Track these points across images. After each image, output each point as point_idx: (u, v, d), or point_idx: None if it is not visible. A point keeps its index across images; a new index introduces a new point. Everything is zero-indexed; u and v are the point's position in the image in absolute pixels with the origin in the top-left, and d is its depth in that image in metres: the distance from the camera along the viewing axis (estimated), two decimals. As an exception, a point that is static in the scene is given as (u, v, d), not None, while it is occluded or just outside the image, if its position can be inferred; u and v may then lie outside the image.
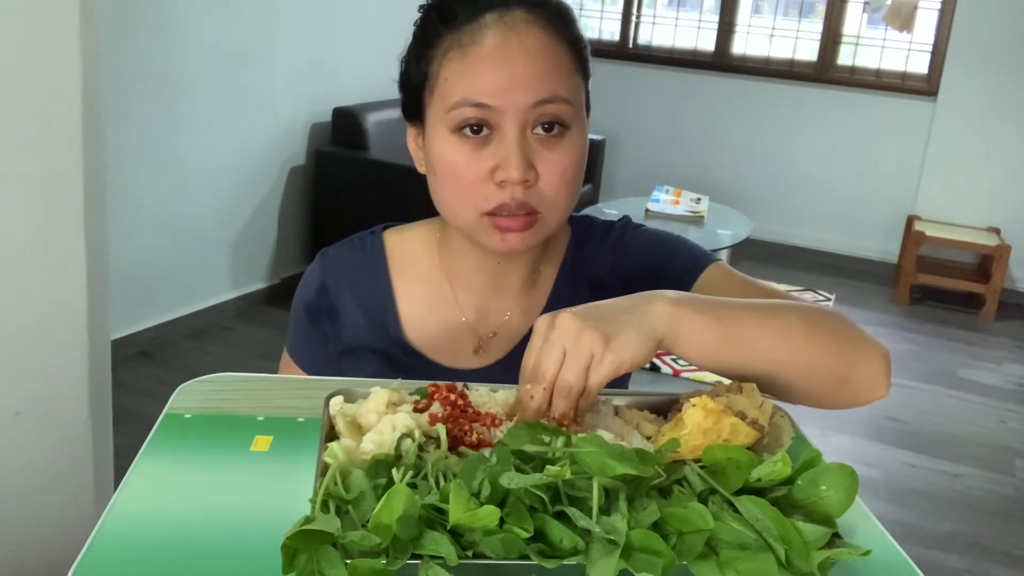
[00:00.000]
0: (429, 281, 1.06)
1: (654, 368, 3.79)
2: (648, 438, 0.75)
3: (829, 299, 4.83)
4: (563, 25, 0.93)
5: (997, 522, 2.95)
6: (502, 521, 0.57)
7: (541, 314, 0.81)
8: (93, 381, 1.84)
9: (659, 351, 0.78)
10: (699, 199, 4.46)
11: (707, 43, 5.58)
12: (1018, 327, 4.70)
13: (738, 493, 0.63)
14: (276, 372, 1.10)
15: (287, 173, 4.11)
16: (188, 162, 3.60)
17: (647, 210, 4.28)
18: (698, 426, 0.68)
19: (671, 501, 0.62)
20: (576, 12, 0.97)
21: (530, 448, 0.64)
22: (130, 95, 3.25)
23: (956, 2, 4.88)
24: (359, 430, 0.72)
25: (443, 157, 0.93)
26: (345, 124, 4.06)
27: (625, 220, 1.10)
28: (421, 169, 0.99)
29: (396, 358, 1.03)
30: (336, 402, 0.75)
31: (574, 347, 0.74)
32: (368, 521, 0.56)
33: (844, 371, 0.83)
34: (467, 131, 0.91)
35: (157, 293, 3.59)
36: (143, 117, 3.36)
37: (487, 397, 0.79)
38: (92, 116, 1.72)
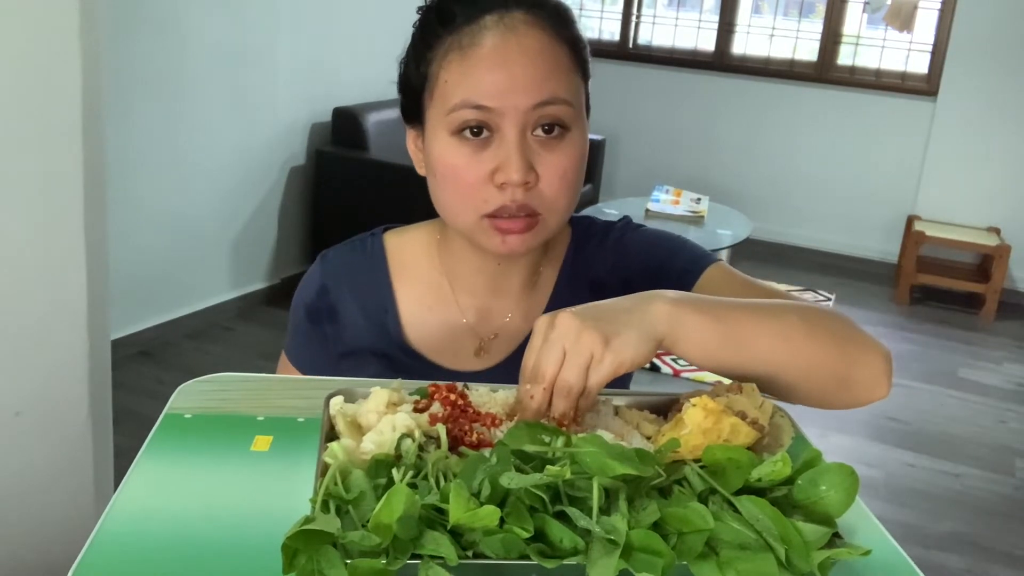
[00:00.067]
0: (429, 283, 1.06)
1: (654, 368, 3.79)
2: (648, 438, 0.75)
3: (829, 299, 4.83)
4: (562, 26, 0.93)
5: (997, 522, 2.95)
6: (502, 521, 0.57)
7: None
8: (93, 381, 1.84)
9: (659, 351, 0.78)
10: (699, 199, 4.46)
11: (707, 43, 5.58)
12: (1018, 327, 4.70)
13: (738, 493, 0.63)
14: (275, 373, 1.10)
15: (287, 173, 4.11)
16: (188, 162, 3.60)
17: (647, 210, 4.28)
18: (698, 426, 0.68)
19: (671, 501, 0.62)
20: (576, 12, 0.96)
21: (530, 448, 0.64)
22: (130, 95, 3.25)
23: (956, 2, 4.88)
24: (359, 430, 0.72)
25: (443, 159, 0.92)
26: (345, 124, 4.06)
27: (625, 220, 1.10)
28: (421, 171, 0.99)
29: (397, 360, 1.03)
30: (336, 402, 0.75)
31: (574, 347, 0.74)
32: (368, 521, 0.56)
33: (844, 371, 0.83)
34: (467, 133, 0.90)
35: (157, 293, 3.59)
36: (143, 117, 3.36)
37: (487, 397, 0.79)
38: (92, 116, 1.72)
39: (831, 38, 5.29)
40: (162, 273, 3.59)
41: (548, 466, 0.60)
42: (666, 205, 4.34)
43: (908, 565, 0.64)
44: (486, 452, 0.65)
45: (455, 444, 0.69)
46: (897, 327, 4.54)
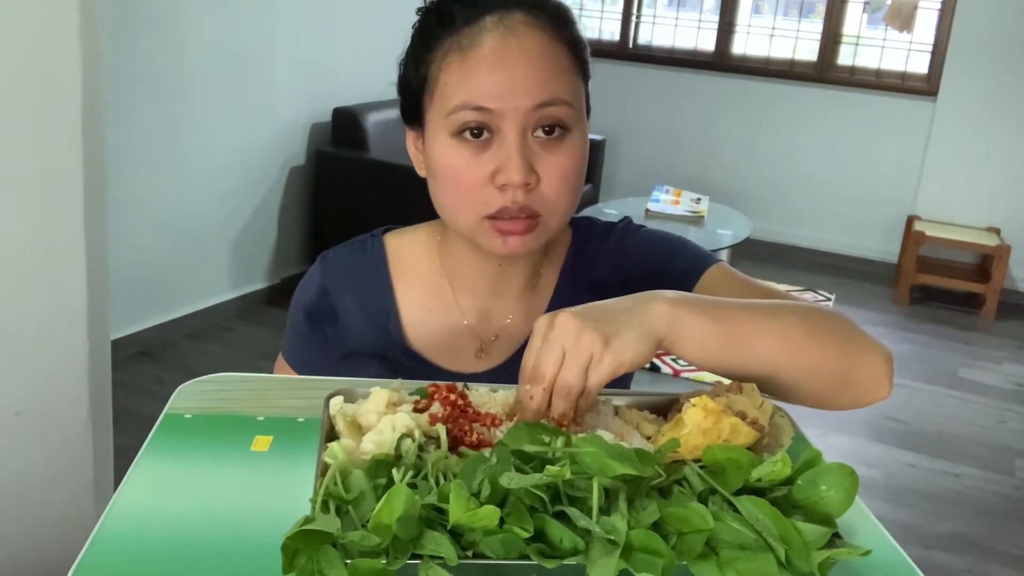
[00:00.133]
0: (430, 284, 1.05)
1: (654, 368, 3.79)
2: (648, 438, 0.75)
3: (829, 299, 4.83)
4: (562, 27, 0.93)
5: (997, 522, 2.95)
6: (502, 521, 0.57)
7: None
8: (93, 381, 1.84)
9: (659, 351, 0.78)
10: (699, 199, 4.46)
11: (707, 43, 5.58)
12: (1018, 327, 4.70)
13: (738, 493, 0.63)
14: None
15: (287, 173, 4.11)
16: (188, 162, 3.60)
17: (647, 210, 4.28)
18: (698, 426, 0.68)
19: (671, 501, 0.62)
20: (576, 12, 0.96)
21: (530, 448, 0.64)
22: (130, 95, 3.25)
23: (956, 2, 4.88)
24: (359, 430, 0.72)
25: (443, 161, 0.92)
26: (345, 124, 4.06)
27: (626, 221, 1.10)
28: (421, 173, 0.99)
29: (397, 362, 1.03)
30: (336, 402, 0.75)
31: (573, 347, 0.74)
32: (368, 521, 0.56)
33: (845, 372, 0.83)
34: (467, 135, 0.90)
35: (157, 293, 3.59)
36: (143, 117, 3.36)
37: (487, 397, 0.79)
38: (92, 116, 1.72)
39: (831, 38, 5.29)
40: (162, 273, 3.59)
41: (548, 466, 0.60)
42: (666, 205, 4.34)
43: (908, 565, 0.64)
44: (486, 452, 0.65)
45: (455, 444, 0.69)
46: (897, 327, 4.54)
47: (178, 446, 0.72)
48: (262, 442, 0.73)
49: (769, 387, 0.81)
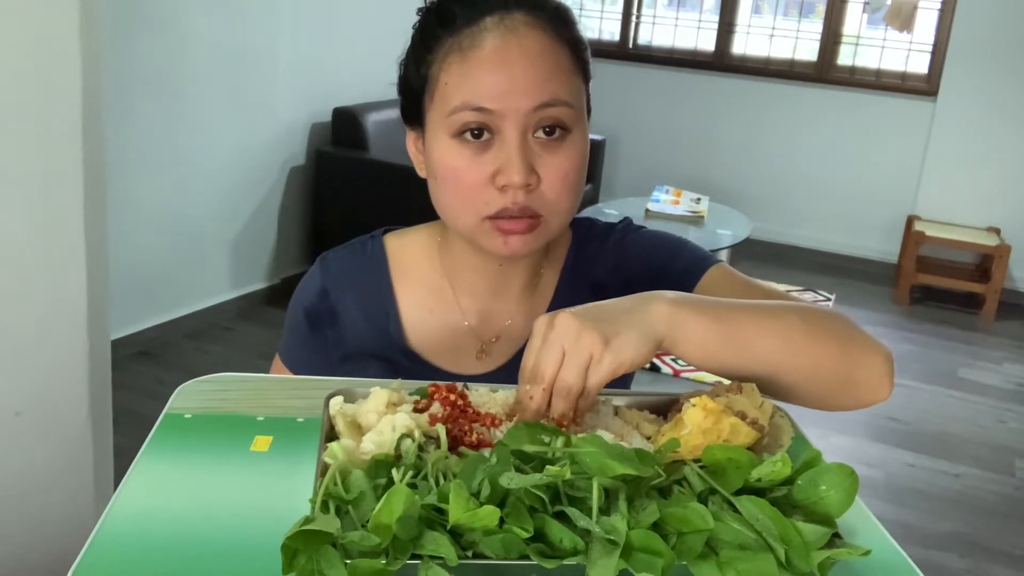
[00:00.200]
0: (430, 285, 1.05)
1: (654, 368, 3.79)
2: (648, 438, 0.75)
3: (829, 299, 4.83)
4: (563, 27, 0.93)
5: (997, 522, 2.95)
6: (502, 521, 0.57)
7: None
8: (93, 381, 1.84)
9: (659, 352, 0.78)
10: (699, 199, 4.46)
11: (707, 43, 5.58)
12: (1018, 327, 4.70)
13: (738, 493, 0.63)
14: (274, 374, 1.09)
15: (287, 173, 4.11)
16: (188, 162, 3.60)
17: (647, 210, 4.28)
18: (698, 426, 0.68)
19: (671, 501, 0.62)
20: (576, 12, 0.96)
21: (530, 448, 0.64)
22: (130, 95, 3.25)
23: (956, 2, 4.88)
24: (359, 430, 0.72)
25: (443, 161, 0.92)
26: (345, 124, 4.06)
27: (626, 222, 1.10)
28: (421, 173, 0.99)
29: (398, 363, 1.02)
30: (336, 402, 0.75)
31: (573, 347, 0.74)
32: (368, 521, 0.56)
33: (846, 372, 0.82)
34: (468, 135, 0.90)
35: (157, 293, 3.59)
36: (143, 117, 3.36)
37: (487, 397, 0.79)
38: (92, 116, 1.72)
39: (831, 38, 5.29)
40: (162, 273, 3.59)
41: (548, 466, 0.60)
42: (666, 205, 4.34)
43: (908, 565, 0.64)
44: (486, 452, 0.65)
45: (455, 444, 0.69)
46: (897, 327, 4.54)
47: (178, 446, 0.72)
48: (262, 442, 0.73)
49: (769, 387, 0.81)
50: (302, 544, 0.55)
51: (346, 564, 0.54)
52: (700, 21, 5.63)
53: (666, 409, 0.80)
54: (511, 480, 0.59)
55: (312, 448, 0.71)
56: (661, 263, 1.04)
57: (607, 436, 0.69)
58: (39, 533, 1.80)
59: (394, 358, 1.03)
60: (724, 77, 5.51)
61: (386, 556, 0.55)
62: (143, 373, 3.34)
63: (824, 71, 5.31)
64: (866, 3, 5.18)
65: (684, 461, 0.67)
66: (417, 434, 0.68)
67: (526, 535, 0.57)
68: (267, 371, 1.08)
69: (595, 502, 0.58)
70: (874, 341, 0.85)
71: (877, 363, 0.83)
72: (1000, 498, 3.09)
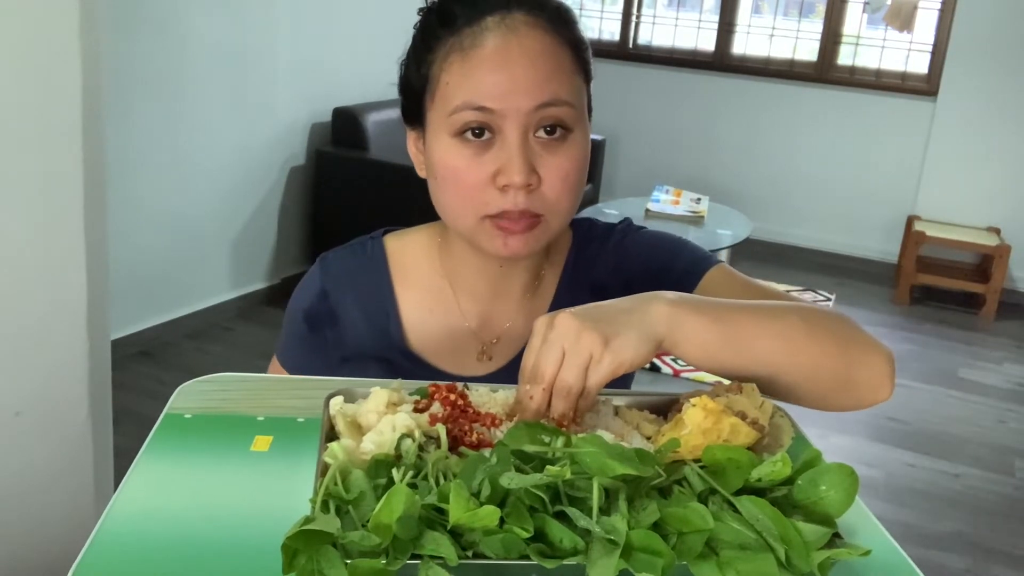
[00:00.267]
0: (431, 287, 1.05)
1: (654, 368, 3.79)
2: (648, 438, 0.75)
3: (829, 299, 4.83)
4: (564, 27, 0.93)
5: (997, 522, 2.95)
6: (502, 521, 0.57)
7: None
8: (93, 381, 1.84)
9: (659, 352, 0.78)
10: (699, 199, 4.46)
11: (707, 43, 5.58)
12: (1018, 327, 4.70)
13: (738, 493, 0.63)
14: (274, 374, 1.09)
15: (287, 173, 4.11)
16: (188, 162, 3.60)
17: (647, 210, 4.28)
18: (698, 426, 0.68)
19: (671, 501, 0.62)
20: (576, 12, 0.96)
21: (530, 448, 0.64)
22: (130, 95, 3.25)
23: (956, 2, 4.88)
24: (359, 430, 0.72)
25: (444, 161, 0.92)
26: (345, 124, 4.06)
27: (626, 222, 1.10)
28: (421, 173, 0.98)
29: (398, 365, 1.02)
30: (336, 402, 0.75)
31: (573, 347, 0.74)
32: (368, 521, 0.56)
33: (846, 373, 0.82)
34: (468, 135, 0.90)
35: (157, 293, 3.59)
36: (143, 117, 3.36)
37: (487, 397, 0.79)
38: (92, 116, 1.72)
39: (831, 38, 5.29)
40: (162, 273, 3.59)
41: (548, 466, 0.60)
42: (666, 205, 4.33)
43: (908, 565, 0.64)
44: (486, 452, 0.65)
45: (455, 444, 0.69)
46: (897, 327, 4.54)
47: (178, 446, 0.72)
48: (262, 442, 0.73)
49: (769, 388, 0.81)
50: (302, 544, 0.55)
51: (346, 564, 0.54)
52: (700, 21, 5.63)
53: (666, 409, 0.80)
54: (511, 480, 0.59)
55: (312, 448, 0.71)
56: (661, 264, 1.03)
57: (607, 436, 0.69)
58: (39, 533, 1.80)
59: (394, 359, 1.03)
60: (724, 77, 5.51)
61: (386, 556, 0.55)
62: (143, 373, 3.34)
63: (824, 71, 5.31)
64: (866, 3, 5.18)
65: (684, 461, 0.67)
66: (417, 434, 0.68)
67: (526, 535, 0.57)
68: (266, 371, 1.08)
69: (595, 502, 0.58)
70: (875, 341, 0.84)
71: (878, 363, 0.83)
72: (1000, 498, 3.09)
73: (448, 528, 0.57)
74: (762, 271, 4.96)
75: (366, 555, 0.55)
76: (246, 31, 3.73)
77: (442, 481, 0.62)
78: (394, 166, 3.78)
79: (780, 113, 5.42)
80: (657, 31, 5.74)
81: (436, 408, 0.73)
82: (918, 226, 4.90)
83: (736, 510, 0.61)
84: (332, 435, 0.72)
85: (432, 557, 0.55)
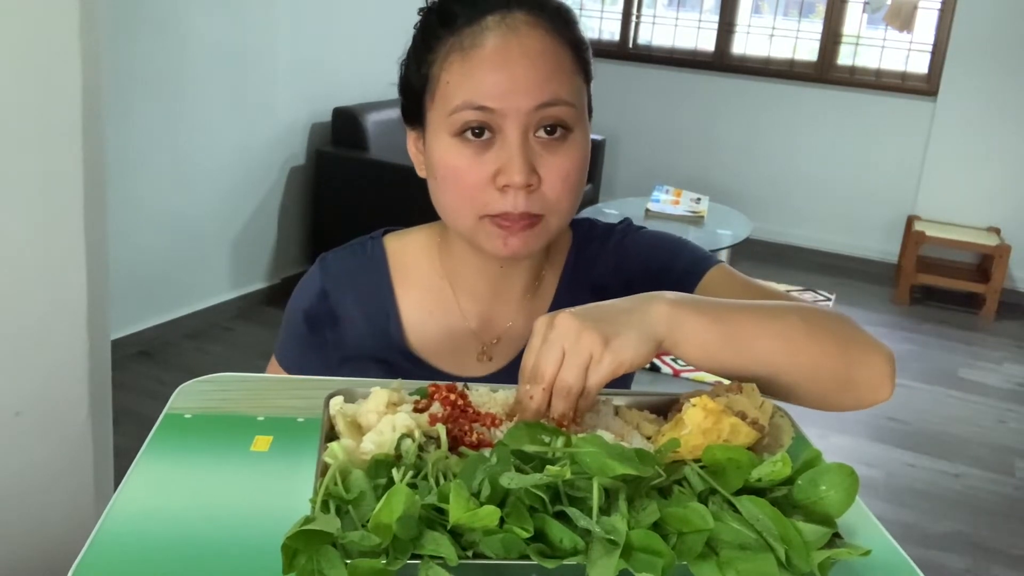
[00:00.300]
0: (431, 287, 1.05)
1: (654, 368, 3.79)
2: (648, 438, 0.75)
3: (829, 299, 4.83)
4: (564, 27, 0.93)
5: (997, 522, 2.95)
6: (502, 521, 0.57)
7: None
8: (93, 381, 1.84)
9: (659, 352, 0.78)
10: (699, 199, 4.46)
11: (707, 43, 5.58)
12: (1018, 327, 4.70)
13: (738, 493, 0.63)
14: (274, 374, 1.09)
15: (287, 173, 4.11)
16: (188, 162, 3.60)
17: (647, 210, 4.28)
18: (698, 426, 0.68)
19: (671, 501, 0.62)
20: (576, 12, 0.96)
21: (530, 448, 0.64)
22: (130, 95, 3.25)
23: (956, 2, 4.88)
24: (359, 430, 0.72)
25: (444, 161, 0.92)
26: (345, 124, 4.06)
27: (626, 223, 1.10)
28: (421, 173, 0.98)
29: (398, 365, 1.02)
30: (336, 402, 0.75)
31: (573, 347, 0.74)
32: (368, 521, 0.56)
33: (846, 373, 0.82)
34: (468, 135, 0.90)
35: (157, 293, 3.59)
36: (143, 117, 3.36)
37: (487, 397, 0.79)
38: (92, 116, 1.72)
39: (831, 38, 5.29)
40: (162, 273, 3.59)
41: (548, 466, 0.60)
42: (666, 205, 4.33)
43: (908, 565, 0.64)
44: (486, 452, 0.65)
45: (455, 444, 0.69)
46: (897, 327, 4.54)
47: (178, 446, 0.72)
48: (262, 442, 0.73)
49: (770, 388, 0.81)
50: (302, 544, 0.55)
51: (346, 564, 0.54)
52: (700, 21, 5.63)
53: (666, 409, 0.80)
54: (511, 480, 0.59)
55: (312, 448, 0.71)
56: (661, 264, 1.03)
57: (607, 436, 0.69)
58: (39, 533, 1.80)
59: (394, 360, 1.02)
60: (724, 77, 5.51)
61: (386, 556, 0.55)
62: (143, 373, 3.34)
63: (824, 71, 5.31)
64: (866, 3, 5.18)
65: (684, 461, 0.67)
66: (417, 434, 0.68)
67: (526, 535, 0.57)
68: (265, 372, 1.08)
69: (595, 502, 0.58)
70: (875, 341, 0.84)
71: (878, 363, 0.83)
72: (1000, 498, 3.09)
73: (448, 528, 0.57)
74: (762, 271, 4.95)
75: (366, 555, 0.55)
76: (246, 31, 3.73)
77: (442, 481, 0.62)
78: (394, 166, 3.78)
79: (780, 113, 5.42)
80: (657, 31, 5.74)
81: (436, 408, 0.73)
82: (918, 226, 4.90)
83: (736, 510, 0.61)
84: (332, 435, 0.72)
85: (432, 557, 0.55)
